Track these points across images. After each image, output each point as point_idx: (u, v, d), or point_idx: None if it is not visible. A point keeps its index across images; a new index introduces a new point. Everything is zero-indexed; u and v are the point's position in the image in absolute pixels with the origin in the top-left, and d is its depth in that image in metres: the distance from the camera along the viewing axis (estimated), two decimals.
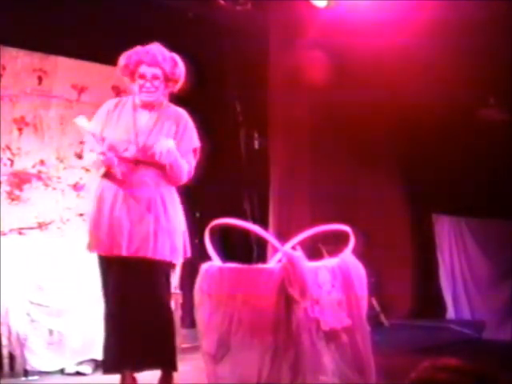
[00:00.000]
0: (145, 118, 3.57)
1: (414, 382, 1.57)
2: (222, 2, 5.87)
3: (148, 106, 3.58)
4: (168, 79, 3.57)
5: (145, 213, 3.45)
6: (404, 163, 7.24)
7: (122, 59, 3.57)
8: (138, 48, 3.59)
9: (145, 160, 3.47)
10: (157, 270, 3.49)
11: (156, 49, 3.60)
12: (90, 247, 3.54)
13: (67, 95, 6.17)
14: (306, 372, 2.75)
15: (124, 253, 3.40)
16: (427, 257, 7.35)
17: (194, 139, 3.63)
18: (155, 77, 3.52)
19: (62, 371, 4.34)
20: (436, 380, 1.54)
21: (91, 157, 3.53)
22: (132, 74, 3.54)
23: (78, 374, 4.34)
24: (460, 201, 7.04)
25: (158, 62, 3.54)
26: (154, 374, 3.50)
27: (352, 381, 2.88)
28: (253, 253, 5.74)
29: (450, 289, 7.35)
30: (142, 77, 3.52)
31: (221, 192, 6.15)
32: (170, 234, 3.49)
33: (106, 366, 3.53)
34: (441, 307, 7.20)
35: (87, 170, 6.24)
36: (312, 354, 2.77)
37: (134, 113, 3.57)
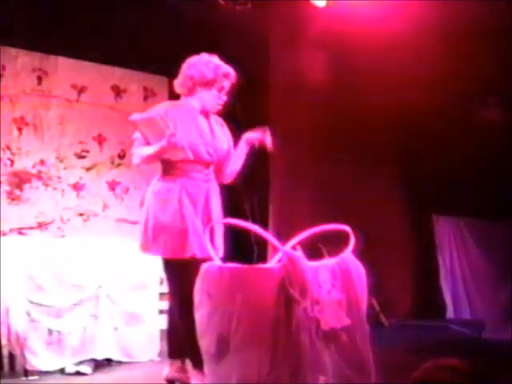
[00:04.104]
0: (206, 123, 3.63)
1: (417, 382, 1.58)
2: (222, 2, 5.87)
3: (205, 113, 3.65)
4: None
5: (219, 214, 3.60)
6: (404, 163, 7.24)
7: (210, 71, 3.57)
8: (216, 59, 3.63)
9: (215, 163, 3.61)
10: None
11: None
12: (183, 251, 3.42)
13: (67, 95, 6.18)
14: (306, 372, 2.74)
15: (220, 254, 3.44)
16: (427, 257, 7.35)
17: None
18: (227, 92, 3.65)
19: (62, 371, 4.34)
20: (438, 380, 1.54)
21: (146, 150, 3.46)
22: (211, 84, 3.57)
23: (78, 373, 4.34)
24: (460, 201, 7.04)
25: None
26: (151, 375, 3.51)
27: (352, 381, 2.88)
28: (253, 253, 5.74)
29: (450, 289, 7.36)
30: (221, 90, 3.60)
31: (221, 192, 6.14)
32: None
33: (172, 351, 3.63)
34: (441, 307, 7.21)
35: (87, 170, 6.25)
36: (312, 354, 2.77)
37: (199, 118, 3.61)
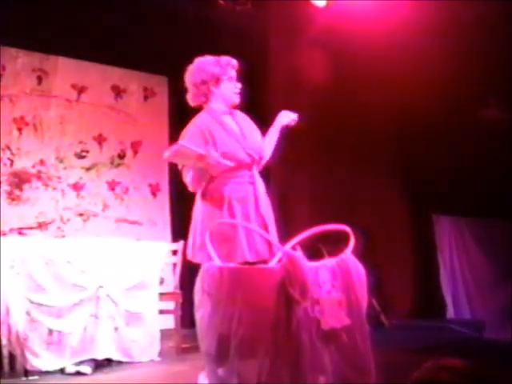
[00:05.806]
0: (234, 123, 3.61)
1: (417, 382, 1.58)
2: (222, 2, 5.87)
3: (230, 112, 3.62)
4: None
5: (270, 213, 3.55)
6: (404, 163, 7.24)
7: (215, 66, 3.56)
8: (214, 57, 3.61)
9: (255, 162, 3.57)
10: None
11: None
12: (232, 257, 3.32)
13: (67, 95, 6.19)
14: (306, 372, 2.74)
15: (276, 250, 3.39)
16: (427, 257, 7.35)
17: None
18: (238, 79, 3.63)
19: (62, 371, 4.33)
20: (438, 380, 1.54)
21: (189, 176, 3.47)
22: (221, 78, 3.56)
23: (78, 374, 4.34)
24: (460, 201, 7.05)
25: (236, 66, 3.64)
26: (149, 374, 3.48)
27: (352, 381, 2.88)
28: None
29: (450, 289, 7.36)
30: (231, 79, 3.59)
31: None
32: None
33: None
34: (441, 307, 7.21)
35: (87, 170, 6.26)
36: (312, 354, 2.77)
37: (227, 121, 3.59)
